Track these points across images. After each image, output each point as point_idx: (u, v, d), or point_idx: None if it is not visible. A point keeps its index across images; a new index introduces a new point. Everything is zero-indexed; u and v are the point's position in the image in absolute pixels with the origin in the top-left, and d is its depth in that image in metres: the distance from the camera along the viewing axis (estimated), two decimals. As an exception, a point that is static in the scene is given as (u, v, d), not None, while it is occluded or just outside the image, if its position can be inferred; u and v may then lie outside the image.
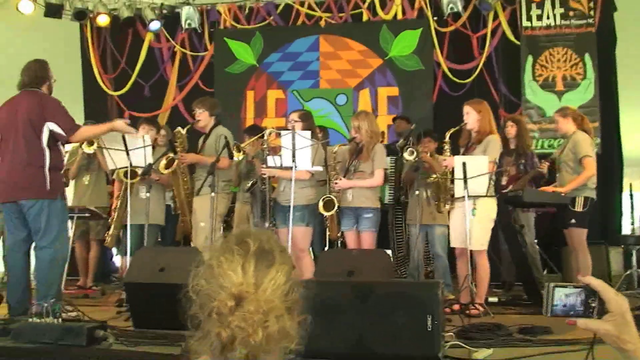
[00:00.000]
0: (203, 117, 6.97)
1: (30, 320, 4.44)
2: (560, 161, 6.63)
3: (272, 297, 1.45)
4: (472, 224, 5.87)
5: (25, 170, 5.47)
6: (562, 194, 6.38)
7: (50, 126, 5.49)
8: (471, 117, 6.15)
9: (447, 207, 6.24)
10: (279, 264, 1.50)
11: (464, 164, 5.81)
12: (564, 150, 6.63)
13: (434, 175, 6.49)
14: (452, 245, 6.28)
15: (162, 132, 8.07)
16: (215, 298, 1.45)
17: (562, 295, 1.49)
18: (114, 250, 8.56)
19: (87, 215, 7.50)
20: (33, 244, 5.61)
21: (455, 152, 6.35)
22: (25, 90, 5.66)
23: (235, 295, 1.43)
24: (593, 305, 1.46)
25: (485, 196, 5.89)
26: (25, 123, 5.49)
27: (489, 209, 5.96)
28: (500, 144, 6.21)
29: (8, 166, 5.54)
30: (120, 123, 5.91)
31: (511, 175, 7.37)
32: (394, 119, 8.66)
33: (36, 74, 5.69)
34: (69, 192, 8.01)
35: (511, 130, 7.45)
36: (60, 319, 4.51)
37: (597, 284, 1.46)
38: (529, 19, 9.71)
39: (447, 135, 6.27)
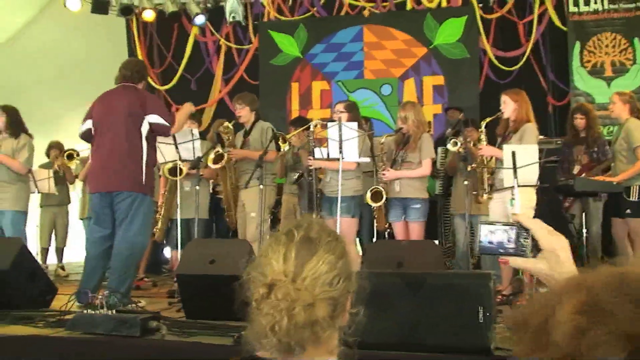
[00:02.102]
0: (244, 113, 7.03)
1: (85, 311, 4.52)
2: (615, 150, 6.53)
3: (312, 285, 1.43)
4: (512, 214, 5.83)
5: (123, 162, 5.55)
6: (615, 183, 6.27)
7: (150, 119, 5.59)
8: (508, 106, 6.08)
9: (485, 197, 6.17)
10: (324, 253, 1.48)
11: (513, 152, 5.74)
12: (617, 139, 6.51)
13: (473, 165, 6.42)
14: None
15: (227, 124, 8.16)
16: (256, 286, 1.47)
17: (487, 232, 1.46)
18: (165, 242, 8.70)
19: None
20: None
21: (491, 141, 6.30)
22: (123, 85, 5.76)
23: (268, 283, 1.44)
24: (525, 243, 1.41)
25: (526, 185, 5.82)
26: (126, 116, 5.58)
27: (528, 198, 5.89)
28: (536, 132, 6.12)
29: (105, 158, 5.62)
30: (190, 105, 6.23)
31: (584, 164, 7.20)
32: (445, 110, 8.58)
33: (138, 70, 5.85)
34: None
35: (581, 122, 7.25)
36: (114, 311, 4.59)
37: (528, 222, 1.42)
38: (576, 4, 9.53)
39: (483, 124, 6.21)
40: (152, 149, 5.75)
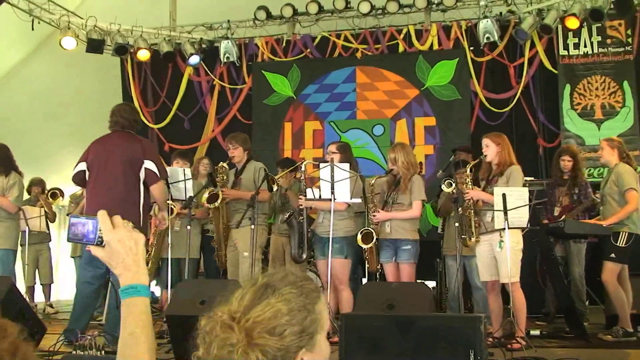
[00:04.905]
0: (237, 153, 7.05)
1: (74, 352, 4.49)
2: (604, 194, 6.57)
3: (251, 329, 1.44)
4: (501, 256, 5.84)
5: (121, 206, 5.60)
6: (604, 226, 6.32)
7: (146, 164, 5.75)
8: (490, 149, 6.14)
9: (473, 240, 6.16)
10: (275, 301, 1.48)
11: (504, 195, 5.76)
12: (607, 183, 6.56)
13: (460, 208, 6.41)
14: (482, 279, 6.23)
15: (205, 161, 8.21)
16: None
17: (71, 225, 1.68)
18: (153, 281, 8.66)
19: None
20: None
21: (476, 184, 6.34)
22: (122, 132, 5.93)
23: (209, 315, 1.49)
24: (102, 235, 1.66)
25: (513, 228, 5.84)
26: (125, 162, 5.74)
27: (516, 240, 5.92)
28: (522, 174, 6.18)
29: (102, 201, 5.67)
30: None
31: (564, 206, 7.26)
32: (453, 151, 8.55)
33: (134, 118, 6.05)
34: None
35: (568, 164, 7.34)
36: (103, 351, 4.57)
37: (99, 216, 1.67)
38: (566, 47, 9.67)
39: (468, 168, 6.25)
40: (148, 192, 5.87)
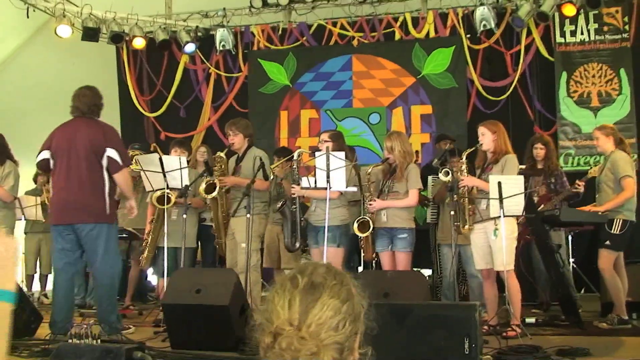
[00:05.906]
0: (237, 140, 6.95)
1: (69, 341, 4.50)
2: (600, 181, 6.58)
3: (317, 332, 1.45)
4: (496, 244, 5.85)
5: (86, 194, 5.63)
6: (600, 213, 6.33)
7: (108, 152, 5.66)
8: (486, 137, 6.15)
9: (467, 228, 6.16)
10: (328, 298, 1.49)
11: (499, 183, 5.77)
12: (603, 170, 6.57)
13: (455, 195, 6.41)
14: (477, 267, 6.25)
15: (202, 149, 8.19)
16: (262, 333, 1.50)
17: None
18: (150, 270, 8.65)
19: (124, 235, 7.59)
20: (87, 266, 5.82)
21: (473, 172, 6.34)
22: (83, 118, 5.83)
23: (273, 331, 1.47)
24: None
25: (508, 216, 5.84)
26: (87, 149, 5.65)
27: (511, 228, 5.93)
28: (517, 163, 6.19)
29: (66, 190, 5.67)
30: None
31: (541, 195, 7.32)
32: (436, 141, 8.53)
33: (94, 102, 5.89)
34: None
35: (540, 152, 7.40)
36: (99, 340, 4.57)
37: None
38: (563, 35, 9.66)
39: (464, 155, 6.25)
40: (112, 179, 5.79)
